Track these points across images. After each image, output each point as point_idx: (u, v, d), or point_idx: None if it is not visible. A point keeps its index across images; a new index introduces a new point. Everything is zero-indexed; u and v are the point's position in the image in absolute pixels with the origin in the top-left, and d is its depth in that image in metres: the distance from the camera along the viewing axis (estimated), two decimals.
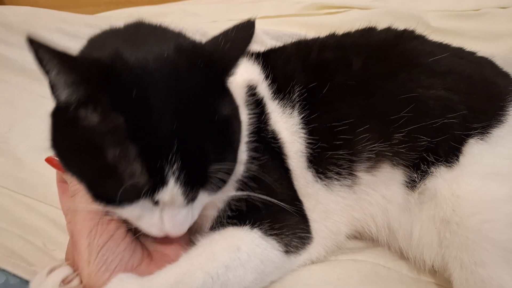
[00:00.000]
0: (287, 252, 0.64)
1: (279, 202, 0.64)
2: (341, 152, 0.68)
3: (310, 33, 1.14)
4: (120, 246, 0.59)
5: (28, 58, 1.19)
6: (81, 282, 0.60)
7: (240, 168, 0.65)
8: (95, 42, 0.60)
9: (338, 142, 0.68)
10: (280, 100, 0.73)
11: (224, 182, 0.57)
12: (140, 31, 0.62)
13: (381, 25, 0.85)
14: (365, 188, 0.70)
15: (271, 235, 0.62)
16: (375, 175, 0.69)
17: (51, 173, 0.85)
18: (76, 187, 0.61)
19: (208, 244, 0.61)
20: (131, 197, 0.52)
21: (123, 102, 0.50)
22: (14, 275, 0.71)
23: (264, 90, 0.74)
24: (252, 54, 0.82)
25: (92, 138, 0.51)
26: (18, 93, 1.11)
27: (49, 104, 0.55)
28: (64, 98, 0.51)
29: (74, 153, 0.54)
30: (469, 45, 0.91)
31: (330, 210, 0.71)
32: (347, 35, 0.83)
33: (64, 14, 1.36)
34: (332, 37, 0.83)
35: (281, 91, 0.73)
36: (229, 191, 0.64)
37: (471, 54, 0.81)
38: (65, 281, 0.60)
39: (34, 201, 0.89)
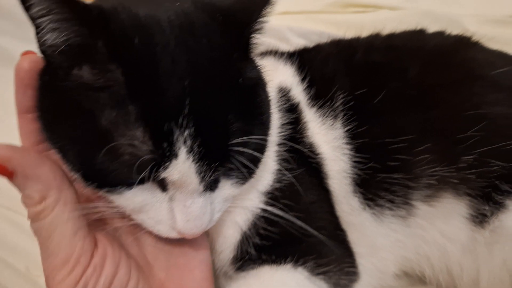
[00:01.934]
0: None
1: (318, 233, 0.53)
2: (396, 176, 0.57)
3: (339, 32, 1.03)
4: None
5: (20, 48, 1.05)
6: None
7: (267, 177, 0.55)
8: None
9: (393, 163, 0.57)
10: (320, 107, 0.62)
11: (250, 168, 0.46)
12: None
13: (417, 27, 0.74)
14: (421, 221, 0.59)
15: (318, 274, 0.51)
16: (434, 205, 0.58)
17: None
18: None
19: None
20: (130, 175, 0.40)
21: (122, 51, 0.39)
22: None
23: (299, 94, 0.63)
24: (282, 54, 0.70)
25: (83, 99, 0.40)
26: (6, 87, 0.96)
27: None
28: (51, 41, 0.40)
29: (60, 121, 0.42)
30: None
31: (378, 245, 0.60)
32: (394, 36, 0.71)
33: None
34: (377, 38, 0.71)
35: (320, 97, 0.62)
36: (254, 202, 0.53)
37: None
38: None
39: (16, 215, 0.75)
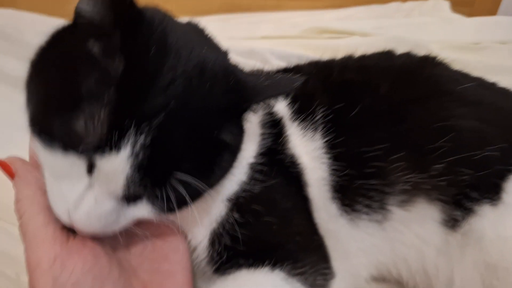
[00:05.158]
0: None
1: (293, 238, 0.56)
2: (372, 182, 0.60)
3: (316, 55, 1.10)
4: (106, 285, 0.46)
5: (10, 64, 1.08)
6: None
7: (231, 187, 0.57)
8: None
9: (369, 170, 0.61)
10: (301, 121, 0.66)
11: (171, 207, 0.46)
12: (197, 28, 0.59)
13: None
14: (397, 225, 0.62)
15: (295, 275, 0.53)
16: (409, 210, 0.62)
17: None
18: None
19: None
20: (73, 141, 0.42)
21: (135, 50, 0.44)
22: None
23: (282, 110, 0.67)
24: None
25: (79, 63, 0.44)
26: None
27: None
28: (86, 6, 0.45)
29: (49, 69, 0.47)
30: None
31: (352, 250, 0.64)
32: (365, 57, 0.77)
33: (50, 19, 1.26)
34: (350, 59, 0.77)
35: (302, 112, 0.66)
36: (218, 208, 0.56)
37: (493, 84, 0.76)
38: None
39: (6, 224, 0.76)
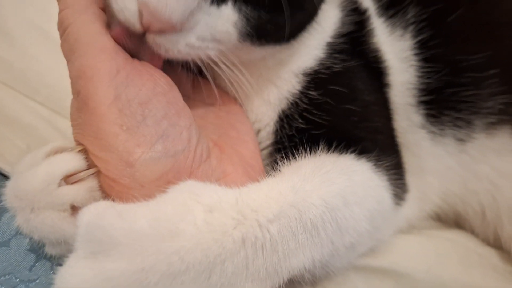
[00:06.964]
0: (395, 196, 0.47)
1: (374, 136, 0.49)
2: (465, 93, 0.52)
3: None
4: (182, 117, 0.38)
5: None
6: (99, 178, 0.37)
7: (305, 60, 0.50)
8: None
9: (463, 80, 0.53)
10: (389, 17, 0.57)
11: (265, 21, 0.39)
12: None
13: None
14: (475, 152, 0.55)
15: (380, 169, 0.45)
16: (492, 136, 0.54)
17: (47, 58, 0.63)
18: None
19: (317, 165, 0.41)
20: None
21: None
22: None
23: (368, 2, 0.58)
24: None
25: None
26: None
27: None
28: None
29: None
30: None
31: (427, 167, 0.56)
32: None
33: None
34: None
35: (391, 7, 0.57)
36: (288, 82, 0.49)
37: None
38: (69, 178, 0.37)
39: (21, 95, 0.65)
